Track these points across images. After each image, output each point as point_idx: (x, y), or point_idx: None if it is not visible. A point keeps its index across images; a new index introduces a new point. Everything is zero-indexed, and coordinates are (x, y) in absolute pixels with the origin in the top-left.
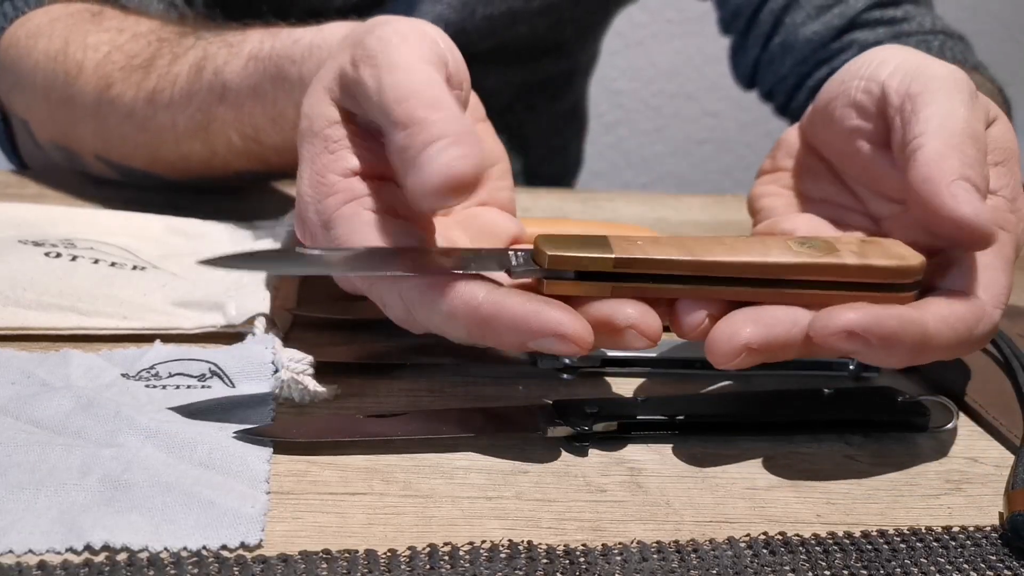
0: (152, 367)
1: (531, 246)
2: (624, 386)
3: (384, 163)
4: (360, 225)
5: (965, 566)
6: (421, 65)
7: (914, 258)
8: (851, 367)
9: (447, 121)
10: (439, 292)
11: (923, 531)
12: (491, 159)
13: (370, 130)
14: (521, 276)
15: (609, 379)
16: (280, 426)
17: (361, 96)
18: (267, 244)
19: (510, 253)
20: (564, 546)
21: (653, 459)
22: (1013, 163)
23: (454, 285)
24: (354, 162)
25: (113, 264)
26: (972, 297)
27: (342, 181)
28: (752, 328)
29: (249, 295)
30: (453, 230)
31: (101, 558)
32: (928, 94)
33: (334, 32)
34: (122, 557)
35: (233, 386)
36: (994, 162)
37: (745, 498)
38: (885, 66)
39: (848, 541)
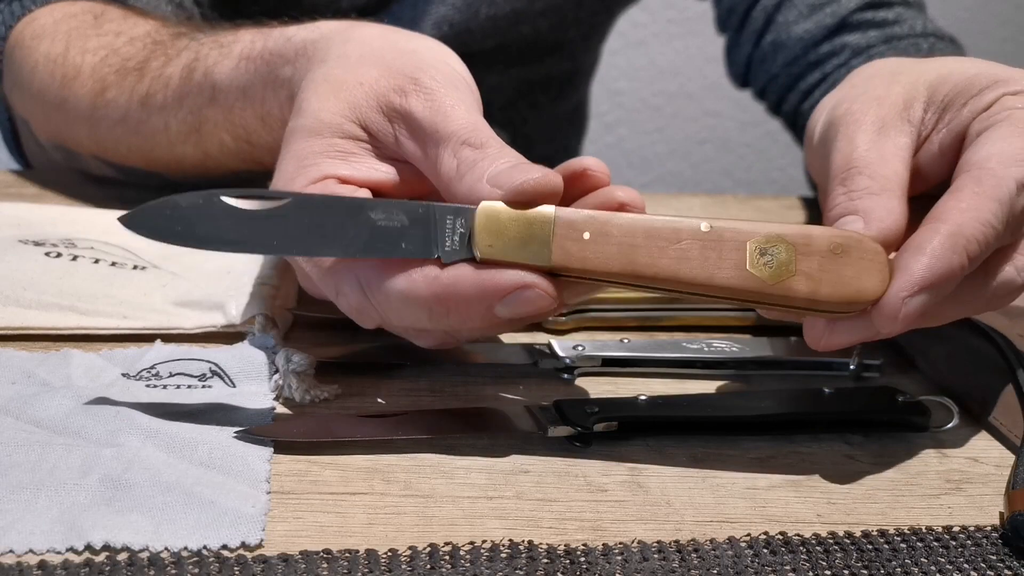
0: (152, 367)
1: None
2: (624, 386)
3: (367, 182)
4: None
5: (965, 566)
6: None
7: (874, 285)
8: (851, 367)
9: (504, 148)
10: (396, 269)
11: (923, 531)
12: None
13: (385, 154)
14: (453, 261)
15: (609, 379)
16: (280, 426)
17: (407, 122)
18: None
19: (447, 229)
20: (565, 546)
21: (653, 459)
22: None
23: (409, 263)
24: (344, 171)
25: (113, 264)
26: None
27: (326, 169)
28: None
29: (249, 295)
30: None
31: (102, 558)
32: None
33: (325, 29)
34: (123, 557)
35: (233, 386)
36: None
37: (745, 498)
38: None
39: (848, 541)
